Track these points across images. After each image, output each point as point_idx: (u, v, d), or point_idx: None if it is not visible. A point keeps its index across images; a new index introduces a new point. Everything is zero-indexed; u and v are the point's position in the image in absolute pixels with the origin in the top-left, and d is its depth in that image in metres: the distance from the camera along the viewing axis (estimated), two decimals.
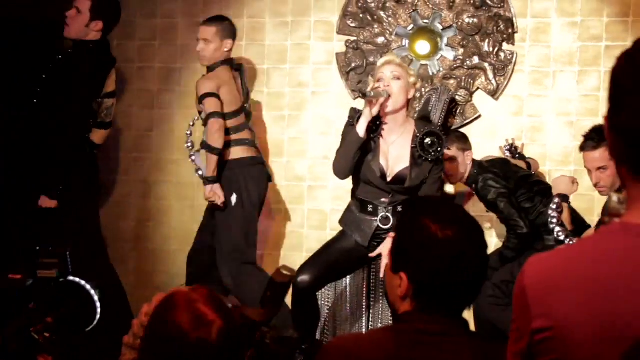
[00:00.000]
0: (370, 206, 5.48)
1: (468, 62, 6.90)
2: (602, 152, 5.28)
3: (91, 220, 6.40)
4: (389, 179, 5.42)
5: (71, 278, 4.02)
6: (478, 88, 6.88)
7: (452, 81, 6.91)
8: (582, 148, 5.48)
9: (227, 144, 6.24)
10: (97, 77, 6.23)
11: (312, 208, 7.14)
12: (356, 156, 5.35)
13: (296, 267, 5.25)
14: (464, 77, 6.89)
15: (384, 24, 6.99)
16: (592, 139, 5.41)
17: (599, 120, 6.45)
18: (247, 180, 6.29)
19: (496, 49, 6.82)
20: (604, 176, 5.37)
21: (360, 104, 6.03)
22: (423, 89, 6.64)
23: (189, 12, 7.39)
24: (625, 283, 1.62)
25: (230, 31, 6.44)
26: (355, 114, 5.45)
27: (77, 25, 6.14)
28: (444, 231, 2.33)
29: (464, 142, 6.27)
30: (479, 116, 6.90)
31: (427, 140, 5.43)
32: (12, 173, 6.27)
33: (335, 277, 5.72)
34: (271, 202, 7.05)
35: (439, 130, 5.60)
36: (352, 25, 7.04)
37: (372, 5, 6.99)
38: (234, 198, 6.24)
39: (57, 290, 3.95)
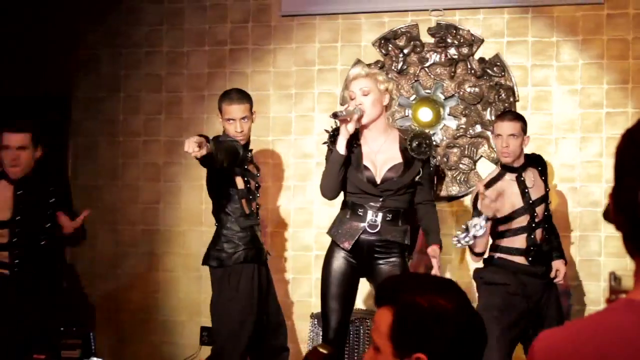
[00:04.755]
0: (361, 210, 5.52)
1: (471, 131, 6.98)
2: (516, 124, 5.93)
3: None
4: (378, 183, 5.50)
5: (94, 359, 4.05)
6: (481, 156, 6.95)
7: (455, 149, 6.98)
8: (500, 117, 6.05)
9: None
10: None
11: (318, 277, 7.16)
12: (341, 174, 5.47)
13: None
14: (467, 146, 6.97)
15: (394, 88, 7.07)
16: (512, 112, 6.17)
17: (602, 186, 6.55)
18: None
19: None
20: (513, 142, 5.91)
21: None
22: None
23: (193, 86, 7.50)
24: None
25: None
26: (330, 136, 5.58)
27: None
28: (448, 302, 2.31)
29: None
30: None
31: (415, 142, 5.53)
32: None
33: (351, 306, 5.72)
34: (275, 271, 7.09)
35: (426, 132, 5.78)
36: None
37: None
38: None
39: None
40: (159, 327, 7.48)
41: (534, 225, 5.96)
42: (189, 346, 6.99)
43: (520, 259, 5.95)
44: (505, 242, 5.99)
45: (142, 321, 7.49)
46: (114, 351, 7.01)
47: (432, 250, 5.58)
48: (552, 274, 6.00)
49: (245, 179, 5.92)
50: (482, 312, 5.66)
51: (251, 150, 6.10)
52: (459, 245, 5.85)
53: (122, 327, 7.37)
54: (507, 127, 5.93)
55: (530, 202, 5.97)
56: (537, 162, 6.12)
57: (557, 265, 6.03)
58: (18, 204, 5.87)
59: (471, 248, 5.94)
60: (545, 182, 6.07)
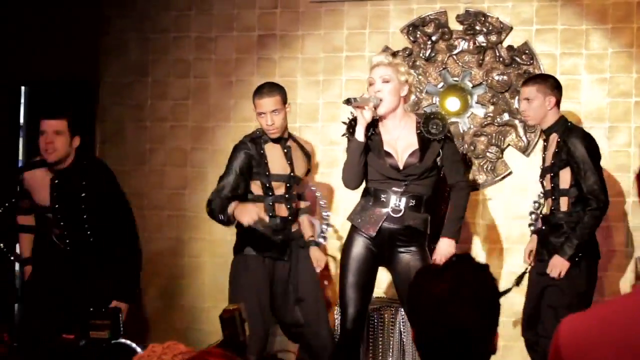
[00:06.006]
0: (384, 195, 5.52)
1: (498, 119, 6.94)
2: (530, 88, 5.88)
3: None
4: (401, 168, 5.50)
5: (122, 340, 4.06)
6: (509, 145, 6.91)
7: (482, 138, 6.95)
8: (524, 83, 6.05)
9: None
10: None
11: None
12: (362, 162, 5.49)
13: None
14: (494, 134, 6.93)
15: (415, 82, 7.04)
16: (531, 77, 6.21)
17: (630, 176, 6.49)
18: None
19: None
20: (527, 105, 5.86)
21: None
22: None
23: (221, 72, 7.50)
24: None
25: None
26: (348, 127, 5.59)
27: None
28: (439, 286, 2.36)
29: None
30: (510, 173, 6.93)
31: (429, 123, 5.55)
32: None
33: (369, 295, 5.69)
34: None
35: (439, 112, 5.86)
36: None
37: None
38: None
39: (109, 351, 4.00)
40: (184, 313, 7.51)
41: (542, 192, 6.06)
42: (214, 332, 6.96)
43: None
44: None
45: (167, 307, 7.52)
46: (139, 336, 7.02)
47: (442, 243, 5.60)
48: (548, 269, 5.68)
49: (267, 184, 5.80)
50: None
51: (289, 147, 5.94)
52: None
53: (146, 313, 7.38)
54: (522, 92, 5.99)
55: (542, 168, 5.98)
56: (564, 132, 5.82)
57: (553, 260, 5.70)
58: (54, 192, 5.87)
59: None
60: (559, 155, 5.77)
